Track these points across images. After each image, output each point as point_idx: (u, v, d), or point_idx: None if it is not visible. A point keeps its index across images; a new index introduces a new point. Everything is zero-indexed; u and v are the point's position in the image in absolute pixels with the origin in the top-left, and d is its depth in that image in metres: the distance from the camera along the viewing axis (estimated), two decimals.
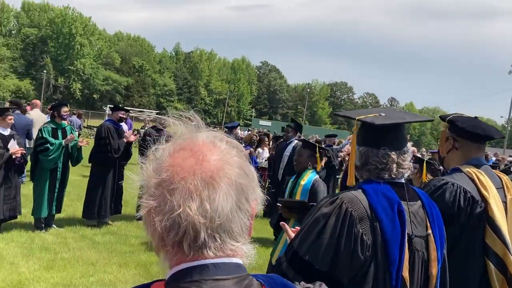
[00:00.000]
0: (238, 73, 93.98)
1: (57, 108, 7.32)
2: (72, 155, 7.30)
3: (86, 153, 7.73)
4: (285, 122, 75.21)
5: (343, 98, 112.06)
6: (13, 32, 70.95)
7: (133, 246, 6.75)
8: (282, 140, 9.94)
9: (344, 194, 1.85)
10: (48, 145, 6.87)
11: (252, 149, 11.42)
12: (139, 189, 0.93)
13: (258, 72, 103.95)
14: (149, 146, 0.95)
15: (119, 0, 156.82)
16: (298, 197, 4.39)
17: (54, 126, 7.15)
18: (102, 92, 72.47)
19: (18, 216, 6.91)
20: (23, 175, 8.67)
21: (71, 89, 69.35)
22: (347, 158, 9.78)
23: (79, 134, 10.86)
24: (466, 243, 2.38)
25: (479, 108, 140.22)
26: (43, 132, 6.98)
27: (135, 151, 8.81)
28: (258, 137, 13.34)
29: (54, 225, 7.27)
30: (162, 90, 79.43)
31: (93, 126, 27.94)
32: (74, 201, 8.97)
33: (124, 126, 9.06)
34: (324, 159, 10.49)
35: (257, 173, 0.98)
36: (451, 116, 2.60)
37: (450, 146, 2.59)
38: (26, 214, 7.18)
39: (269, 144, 12.77)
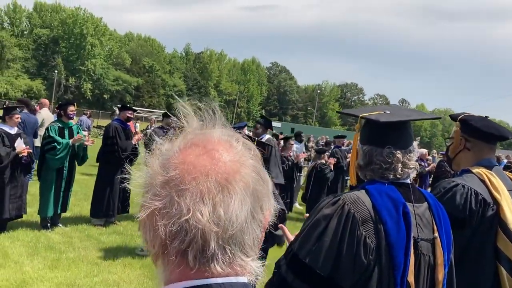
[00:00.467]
0: (248, 74, 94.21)
1: (63, 107, 7.33)
2: (78, 154, 7.30)
3: (93, 152, 7.72)
4: (295, 123, 75.43)
5: (353, 99, 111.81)
6: (25, 32, 71.65)
7: (138, 246, 6.71)
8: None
9: (347, 194, 1.76)
10: (56, 144, 6.86)
11: None
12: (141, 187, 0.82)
13: (268, 73, 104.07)
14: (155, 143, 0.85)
15: (130, 1, 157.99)
16: None
17: (61, 125, 7.15)
18: (112, 92, 73.02)
19: (24, 215, 6.92)
20: (30, 174, 8.69)
21: (82, 89, 70.02)
22: None
23: (89, 134, 10.88)
24: (478, 247, 2.29)
25: (491, 109, 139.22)
26: (50, 131, 6.98)
27: (142, 151, 8.79)
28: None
29: (60, 224, 7.27)
30: (172, 90, 79.74)
31: (103, 126, 28.04)
32: (81, 200, 8.99)
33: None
34: (334, 160, 10.44)
35: None
36: (462, 116, 2.51)
37: (462, 146, 2.50)
38: (32, 213, 7.20)
39: (278, 145, 12.71)
